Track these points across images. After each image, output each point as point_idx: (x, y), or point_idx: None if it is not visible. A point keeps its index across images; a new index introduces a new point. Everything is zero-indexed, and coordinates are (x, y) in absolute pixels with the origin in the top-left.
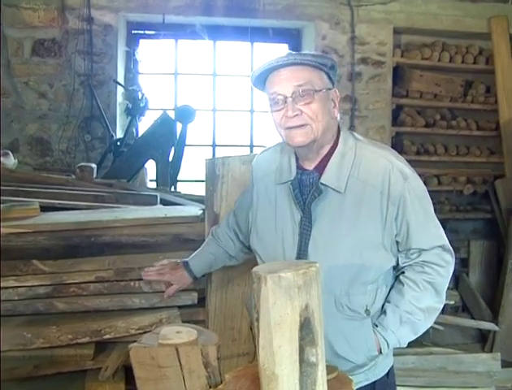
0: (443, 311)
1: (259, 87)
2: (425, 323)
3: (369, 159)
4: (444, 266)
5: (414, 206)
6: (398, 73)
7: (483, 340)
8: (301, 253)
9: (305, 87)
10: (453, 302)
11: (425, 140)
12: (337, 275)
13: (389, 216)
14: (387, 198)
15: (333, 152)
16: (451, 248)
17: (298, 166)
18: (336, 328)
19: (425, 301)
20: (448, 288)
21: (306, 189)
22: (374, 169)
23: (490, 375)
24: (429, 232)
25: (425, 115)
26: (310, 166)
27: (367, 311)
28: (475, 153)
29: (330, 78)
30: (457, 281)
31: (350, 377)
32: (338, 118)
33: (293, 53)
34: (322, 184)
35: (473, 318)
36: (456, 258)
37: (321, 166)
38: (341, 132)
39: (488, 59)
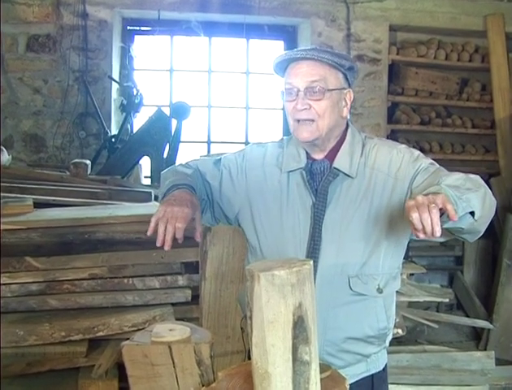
0: (437, 309)
1: (279, 73)
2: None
3: (376, 150)
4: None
5: (425, 163)
6: (394, 71)
7: (478, 338)
8: (315, 237)
9: (319, 84)
10: (447, 300)
11: (420, 137)
12: (351, 257)
13: (398, 190)
14: (394, 177)
15: (342, 143)
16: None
17: (308, 156)
18: (349, 310)
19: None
20: (442, 286)
21: (317, 177)
22: (381, 156)
23: (484, 373)
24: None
25: (420, 113)
26: (319, 156)
27: (379, 290)
28: (471, 151)
29: (347, 78)
30: (451, 279)
31: (350, 371)
32: (348, 117)
33: (317, 48)
34: (335, 168)
35: (467, 316)
36: (450, 256)
37: (331, 156)
38: (349, 128)
39: (483, 57)
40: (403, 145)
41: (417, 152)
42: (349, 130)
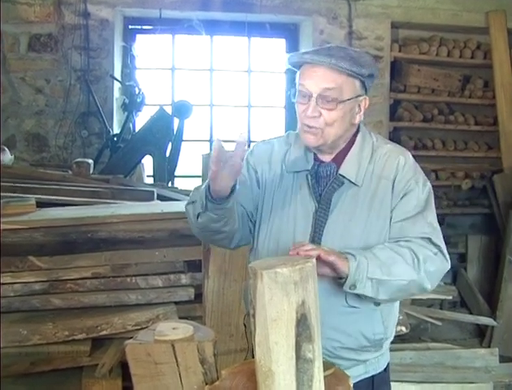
0: (441, 307)
1: (295, 67)
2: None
3: (384, 155)
4: (434, 252)
5: (415, 195)
6: (396, 68)
7: (481, 335)
8: (315, 243)
9: (333, 93)
10: (450, 297)
11: (423, 134)
12: None
13: (394, 199)
14: (394, 185)
15: (351, 146)
16: (446, 254)
17: (315, 158)
18: (343, 321)
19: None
20: (446, 283)
21: (323, 181)
22: (388, 164)
23: (488, 370)
24: (418, 223)
25: (423, 110)
26: (327, 158)
27: (376, 302)
28: (473, 148)
29: (364, 85)
30: (455, 276)
31: (348, 373)
32: (361, 119)
33: (337, 51)
34: (340, 175)
35: (471, 313)
36: (454, 253)
37: (338, 159)
38: (360, 131)
39: (485, 54)
40: (408, 155)
41: (422, 177)
42: (360, 134)
